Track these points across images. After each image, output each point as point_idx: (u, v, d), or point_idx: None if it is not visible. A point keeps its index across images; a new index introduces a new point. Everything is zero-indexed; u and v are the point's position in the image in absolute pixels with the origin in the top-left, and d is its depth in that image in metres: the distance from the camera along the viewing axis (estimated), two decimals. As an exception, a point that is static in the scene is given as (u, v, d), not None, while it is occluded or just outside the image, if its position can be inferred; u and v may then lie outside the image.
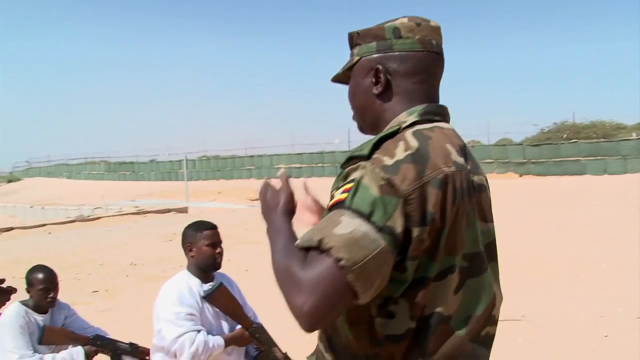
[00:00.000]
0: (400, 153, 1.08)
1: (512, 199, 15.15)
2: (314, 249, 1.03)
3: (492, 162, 23.92)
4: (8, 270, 8.18)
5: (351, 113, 1.38)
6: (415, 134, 1.14)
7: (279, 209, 1.25)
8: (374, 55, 1.26)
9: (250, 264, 8.00)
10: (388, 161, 1.07)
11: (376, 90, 1.26)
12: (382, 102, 1.26)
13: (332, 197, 1.12)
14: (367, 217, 1.02)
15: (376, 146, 1.11)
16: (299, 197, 1.66)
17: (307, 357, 1.36)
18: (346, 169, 1.12)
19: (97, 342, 2.91)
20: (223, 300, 2.53)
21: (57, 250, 10.45)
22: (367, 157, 1.09)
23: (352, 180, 1.07)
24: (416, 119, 1.20)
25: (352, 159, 1.12)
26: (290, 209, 1.27)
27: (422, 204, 1.06)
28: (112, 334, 3.14)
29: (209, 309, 2.57)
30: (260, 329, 2.60)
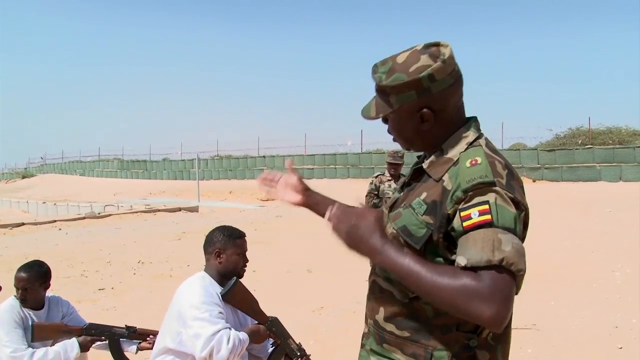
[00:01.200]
0: (502, 172, 1.32)
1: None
2: (493, 266, 1.21)
3: (505, 167, 23.70)
4: (14, 265, 8.20)
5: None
6: (489, 149, 1.39)
7: (379, 237, 1.37)
8: (416, 102, 1.40)
9: (258, 265, 7.92)
10: (503, 181, 1.30)
11: (425, 127, 1.43)
12: (431, 133, 1.44)
13: (461, 217, 1.27)
14: (514, 230, 1.25)
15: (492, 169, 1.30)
16: (283, 175, 1.90)
17: (363, 337, 1.55)
18: (470, 193, 1.28)
19: (92, 330, 2.86)
20: (240, 296, 2.52)
21: (66, 247, 10.46)
22: (493, 182, 1.28)
23: (485, 202, 1.26)
24: (477, 135, 1.43)
25: (480, 184, 1.28)
26: (383, 232, 1.40)
27: (527, 211, 1.35)
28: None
29: (229, 313, 2.54)
30: (276, 321, 2.62)
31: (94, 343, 2.88)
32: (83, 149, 50.10)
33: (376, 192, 6.41)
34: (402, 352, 1.41)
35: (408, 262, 1.30)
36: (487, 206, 1.25)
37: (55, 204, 24.91)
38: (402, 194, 1.54)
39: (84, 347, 2.82)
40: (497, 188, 1.27)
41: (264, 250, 9.49)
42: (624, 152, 21.24)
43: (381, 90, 1.45)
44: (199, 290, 2.46)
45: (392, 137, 1.54)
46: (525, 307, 5.58)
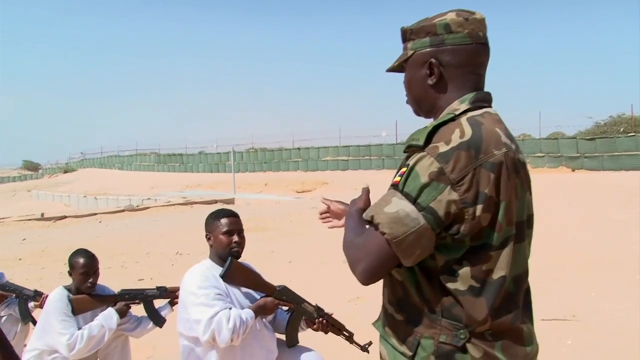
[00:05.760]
0: (455, 139, 1.24)
1: (564, 194, 14.67)
2: (369, 222, 1.31)
3: (543, 156, 23.24)
4: (59, 257, 8.45)
5: (403, 100, 1.52)
6: (469, 120, 1.30)
7: (356, 206, 1.53)
8: (427, 50, 1.39)
9: (294, 256, 7.99)
10: (443, 147, 1.23)
11: (431, 81, 1.40)
12: (437, 91, 1.41)
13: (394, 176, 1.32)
14: (414, 200, 1.23)
15: (430, 135, 1.28)
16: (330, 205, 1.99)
17: (373, 323, 1.56)
18: (406, 152, 1.34)
19: (125, 295, 3.01)
20: (240, 274, 2.50)
21: (106, 239, 10.72)
22: (422, 147, 1.26)
23: (407, 165, 1.27)
24: (468, 107, 1.35)
25: (410, 147, 1.31)
26: (363, 208, 1.50)
27: (474, 186, 1.23)
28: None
29: (235, 293, 2.56)
30: (285, 290, 2.58)
31: (129, 307, 3.03)
32: (121, 144, 51.21)
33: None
34: (396, 336, 1.40)
35: (349, 217, 1.49)
36: (405, 169, 1.28)
37: (95, 198, 25.55)
38: None
39: (122, 313, 2.97)
40: (423, 154, 1.25)
41: (300, 242, 9.54)
42: (668, 140, 20.58)
43: (404, 38, 1.47)
44: (196, 276, 2.50)
45: (405, 100, 1.53)
46: (565, 298, 5.48)
